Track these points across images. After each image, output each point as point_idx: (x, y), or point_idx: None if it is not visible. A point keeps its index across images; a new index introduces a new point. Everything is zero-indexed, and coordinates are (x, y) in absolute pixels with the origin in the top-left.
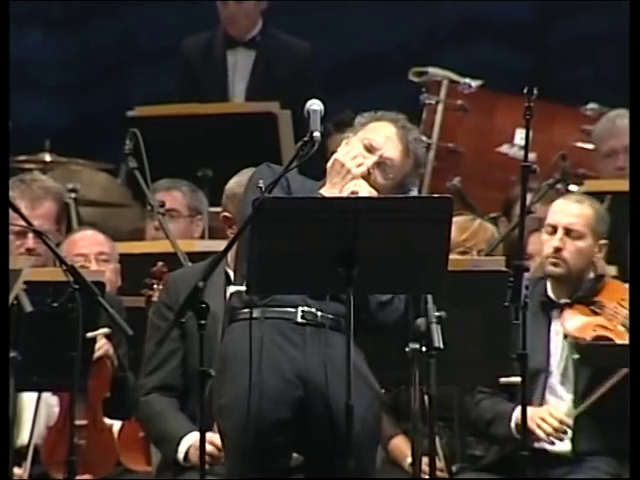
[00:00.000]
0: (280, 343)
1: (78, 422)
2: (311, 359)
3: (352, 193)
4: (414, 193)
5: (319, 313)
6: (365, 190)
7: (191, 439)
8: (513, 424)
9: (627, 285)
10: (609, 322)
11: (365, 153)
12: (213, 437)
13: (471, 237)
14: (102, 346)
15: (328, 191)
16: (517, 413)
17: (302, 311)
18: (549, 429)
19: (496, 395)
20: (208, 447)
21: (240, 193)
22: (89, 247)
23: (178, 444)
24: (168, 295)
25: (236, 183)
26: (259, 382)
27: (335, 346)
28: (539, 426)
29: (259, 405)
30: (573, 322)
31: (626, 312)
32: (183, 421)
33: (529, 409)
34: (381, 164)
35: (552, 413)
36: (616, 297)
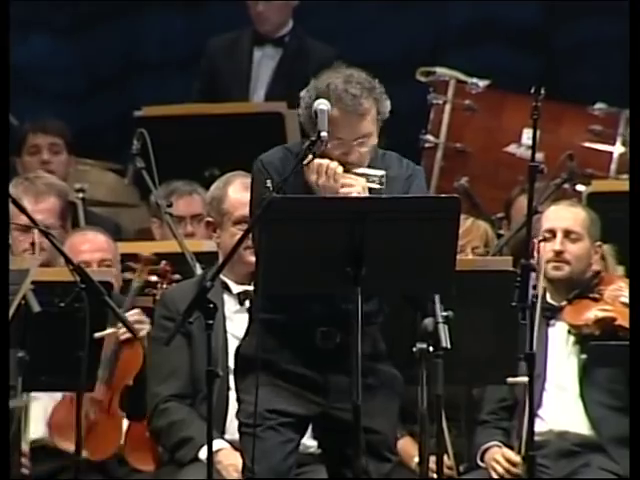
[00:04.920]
0: (299, 352)
1: (96, 396)
2: (332, 375)
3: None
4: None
5: (338, 334)
6: (357, 183)
7: (218, 445)
8: (478, 458)
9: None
10: (610, 303)
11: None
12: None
13: (464, 235)
14: (139, 321)
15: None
16: (484, 448)
17: (321, 332)
18: (501, 470)
19: (492, 422)
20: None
21: (219, 195)
22: (91, 253)
23: (202, 447)
24: (167, 308)
25: (216, 188)
26: (276, 389)
27: (363, 345)
28: (493, 467)
29: (276, 394)
30: (574, 313)
31: (627, 291)
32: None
33: (489, 451)
34: (359, 144)
35: (504, 454)
36: (615, 282)
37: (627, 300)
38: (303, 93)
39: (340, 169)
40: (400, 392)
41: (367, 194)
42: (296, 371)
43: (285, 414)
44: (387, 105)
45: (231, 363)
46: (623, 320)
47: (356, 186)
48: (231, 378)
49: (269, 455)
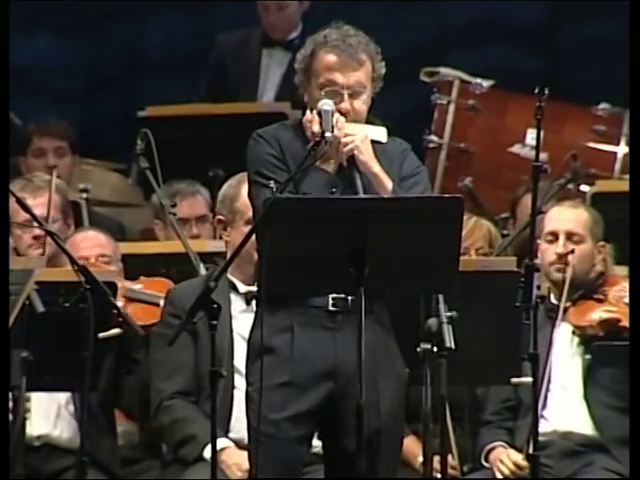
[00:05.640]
0: (311, 335)
1: None
2: (343, 349)
3: (349, 150)
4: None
5: (349, 298)
6: (360, 132)
7: (222, 444)
8: (482, 458)
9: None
10: (615, 304)
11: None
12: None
13: (467, 236)
14: None
15: (326, 165)
16: (489, 448)
17: (333, 298)
18: (506, 471)
19: (496, 423)
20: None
21: (232, 194)
22: (90, 249)
23: (205, 445)
24: (173, 306)
25: (230, 187)
26: (289, 376)
27: (367, 329)
28: (498, 468)
29: (286, 397)
30: (578, 315)
31: None
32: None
33: (494, 451)
34: (353, 94)
35: (509, 455)
36: (620, 283)
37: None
38: (300, 51)
39: (342, 119)
40: (404, 377)
41: (369, 144)
42: (308, 352)
43: (298, 420)
44: (382, 66)
45: (236, 362)
46: (627, 321)
47: (358, 134)
48: (236, 377)
49: (280, 465)
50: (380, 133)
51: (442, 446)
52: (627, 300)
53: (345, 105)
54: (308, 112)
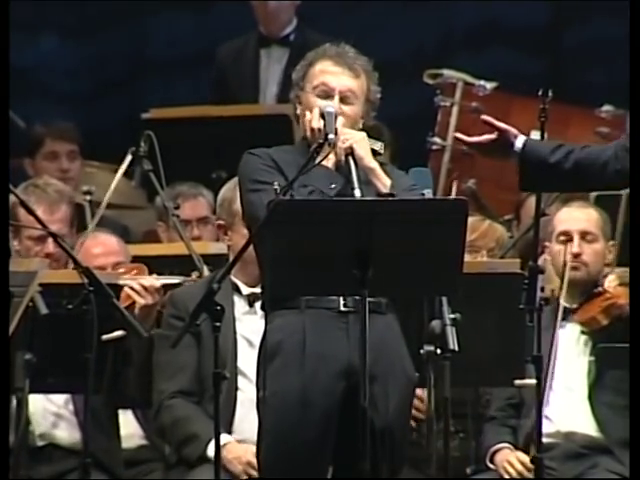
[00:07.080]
0: (323, 334)
1: None
2: (355, 349)
3: (348, 146)
4: (429, 194)
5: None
6: (358, 133)
7: (222, 440)
8: (488, 459)
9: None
10: (612, 291)
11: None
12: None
13: (480, 237)
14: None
15: (325, 161)
16: (494, 450)
17: (344, 298)
18: (513, 472)
19: (500, 419)
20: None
21: (230, 196)
22: (105, 258)
23: (208, 444)
24: (176, 308)
25: (227, 189)
26: (303, 376)
27: (378, 330)
28: (505, 468)
29: (303, 400)
30: (582, 312)
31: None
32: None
33: (500, 453)
34: (344, 99)
35: (518, 457)
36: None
37: (620, 281)
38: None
39: (341, 117)
40: (414, 379)
41: (367, 143)
42: (321, 353)
43: (315, 422)
44: (377, 91)
45: (239, 364)
46: (624, 299)
47: (356, 134)
48: (239, 379)
49: (301, 469)
50: (378, 145)
51: (445, 447)
52: (620, 282)
53: (335, 106)
54: (308, 113)
